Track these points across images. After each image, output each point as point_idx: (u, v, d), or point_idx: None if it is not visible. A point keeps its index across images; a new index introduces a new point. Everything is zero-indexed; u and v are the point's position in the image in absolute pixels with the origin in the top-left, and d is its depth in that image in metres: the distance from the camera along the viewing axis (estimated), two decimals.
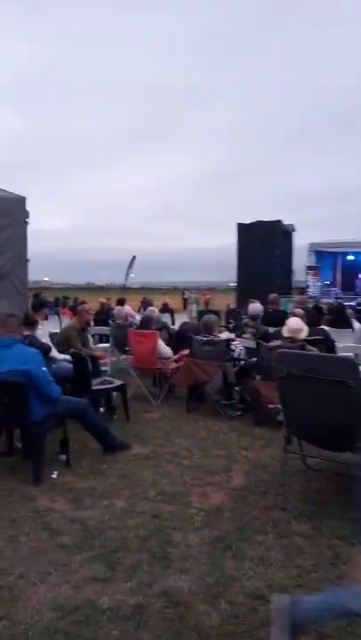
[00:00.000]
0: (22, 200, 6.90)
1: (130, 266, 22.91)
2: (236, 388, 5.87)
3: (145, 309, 10.05)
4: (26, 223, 6.92)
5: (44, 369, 3.92)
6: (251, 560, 2.72)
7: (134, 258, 22.74)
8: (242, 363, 5.95)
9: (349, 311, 8.39)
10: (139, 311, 12.33)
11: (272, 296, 8.20)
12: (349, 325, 7.49)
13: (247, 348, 6.16)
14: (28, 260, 7.01)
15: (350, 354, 5.70)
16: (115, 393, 5.66)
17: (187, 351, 6.25)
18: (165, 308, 15.66)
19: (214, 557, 2.75)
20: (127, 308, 10.63)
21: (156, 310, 8.53)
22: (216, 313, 8.62)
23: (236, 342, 6.41)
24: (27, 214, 6.92)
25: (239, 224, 15.48)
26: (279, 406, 3.60)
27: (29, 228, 6.96)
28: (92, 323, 8.13)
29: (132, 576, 2.57)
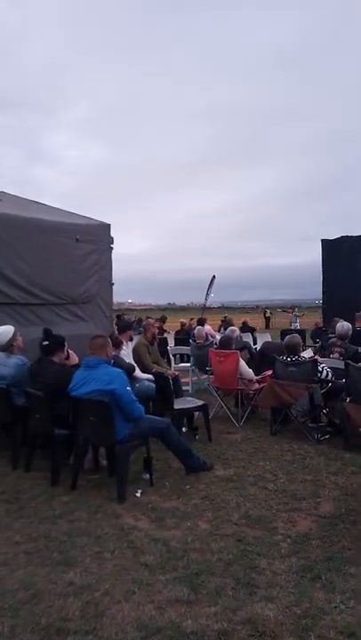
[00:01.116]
0: (107, 227, 7.25)
1: (210, 286, 23.08)
2: (324, 411, 5.63)
3: (225, 329, 10.02)
4: (110, 249, 7.24)
5: (128, 388, 4.01)
6: (342, 593, 2.55)
7: (214, 278, 22.88)
8: (330, 384, 5.70)
9: None
10: (219, 330, 12.32)
11: (360, 314, 7.83)
12: None
13: (334, 369, 5.91)
14: (112, 284, 7.32)
15: None
16: (197, 413, 5.65)
17: (270, 372, 6.12)
18: (246, 327, 15.52)
19: (302, 587, 2.61)
20: (207, 328, 10.67)
21: (237, 330, 8.46)
22: (301, 332, 8.35)
23: (321, 363, 6.18)
24: (111, 240, 7.24)
25: (323, 240, 15.04)
26: None
27: (113, 252, 7.29)
28: (156, 338, 7.85)
29: (217, 600, 2.50)
